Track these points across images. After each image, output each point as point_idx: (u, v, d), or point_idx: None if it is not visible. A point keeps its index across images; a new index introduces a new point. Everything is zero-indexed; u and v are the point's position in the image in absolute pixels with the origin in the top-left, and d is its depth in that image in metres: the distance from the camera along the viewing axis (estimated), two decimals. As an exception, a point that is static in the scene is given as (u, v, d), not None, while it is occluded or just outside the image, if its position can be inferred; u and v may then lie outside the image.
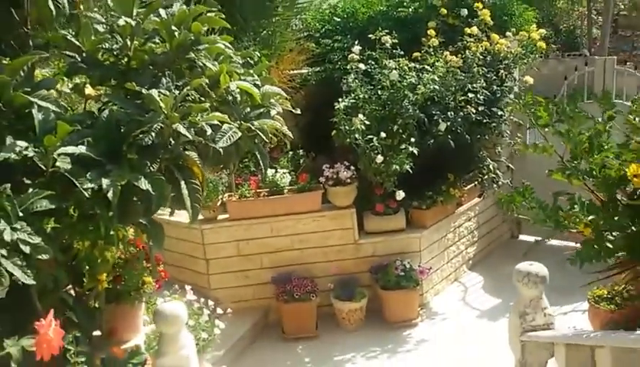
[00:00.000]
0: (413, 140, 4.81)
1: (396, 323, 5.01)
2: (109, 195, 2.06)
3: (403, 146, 4.79)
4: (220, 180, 4.94)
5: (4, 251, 1.90)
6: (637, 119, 1.51)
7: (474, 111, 5.13)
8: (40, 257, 2.01)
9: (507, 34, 5.66)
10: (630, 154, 1.47)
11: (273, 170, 5.06)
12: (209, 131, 2.37)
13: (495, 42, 5.47)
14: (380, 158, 4.72)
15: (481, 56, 5.33)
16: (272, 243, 5.11)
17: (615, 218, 1.43)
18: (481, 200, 6.04)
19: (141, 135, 2.22)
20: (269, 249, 5.11)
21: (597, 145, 1.57)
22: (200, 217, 5.14)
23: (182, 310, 2.62)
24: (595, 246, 1.47)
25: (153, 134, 2.26)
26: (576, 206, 1.62)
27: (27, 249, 1.99)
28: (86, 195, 2.08)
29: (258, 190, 5.08)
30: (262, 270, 5.13)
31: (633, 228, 1.39)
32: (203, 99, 2.57)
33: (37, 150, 2.16)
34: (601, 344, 2.05)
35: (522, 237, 6.62)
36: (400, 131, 4.89)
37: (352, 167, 5.03)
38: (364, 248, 5.21)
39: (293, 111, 3.30)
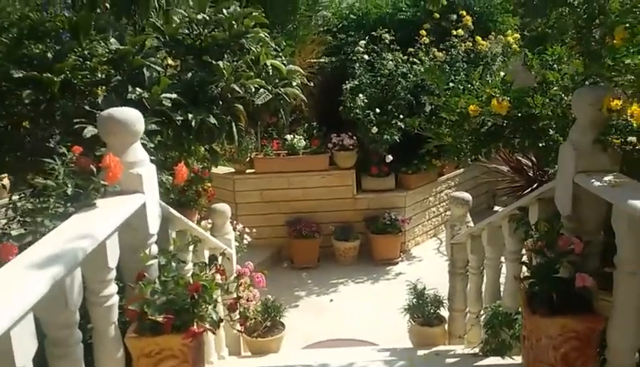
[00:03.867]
0: (402, 117, 6.11)
1: (381, 260, 6.35)
2: (193, 123, 3.41)
3: (394, 121, 6.10)
4: (250, 141, 6.28)
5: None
6: (477, 84, 2.76)
7: (454, 97, 6.40)
8: (151, 158, 3.38)
9: (490, 36, 6.92)
10: (474, 99, 2.71)
11: (292, 136, 6.41)
12: (252, 90, 3.71)
13: (478, 43, 6.73)
14: (375, 129, 6.04)
15: (464, 54, 6.60)
16: (287, 194, 6.47)
17: (460, 131, 2.67)
18: (462, 173, 7.32)
19: (212, 88, 3.56)
20: (285, 198, 6.47)
21: (455, 94, 2.84)
22: (232, 170, 6.53)
23: (228, 208, 3.96)
24: (452, 148, 2.74)
25: (219, 89, 3.60)
26: (443, 125, 2.89)
27: (144, 152, 3.35)
28: (177, 124, 3.43)
29: (278, 151, 6.44)
30: (278, 214, 6.50)
31: (472, 140, 2.64)
32: (247, 70, 3.90)
33: (147, 95, 3.53)
34: (483, 227, 3.35)
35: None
36: (393, 109, 6.19)
37: (354, 137, 6.35)
38: (360, 202, 6.55)
39: (308, 84, 4.61)
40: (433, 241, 7.06)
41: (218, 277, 2.24)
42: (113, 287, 1.88)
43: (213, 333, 2.06)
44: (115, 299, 1.90)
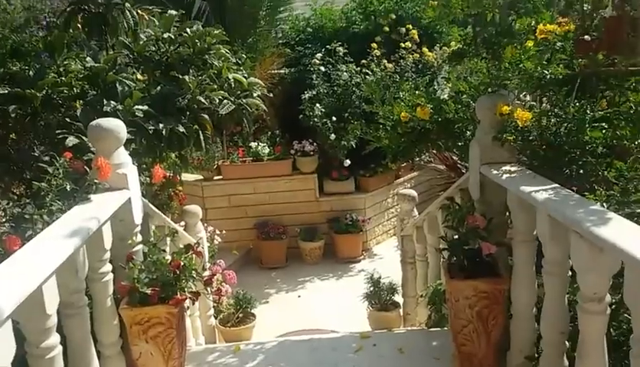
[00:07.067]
0: (357, 123, 6.59)
1: (344, 258, 6.83)
2: (164, 132, 3.80)
3: (350, 128, 6.58)
4: (217, 149, 6.69)
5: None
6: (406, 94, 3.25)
7: (406, 104, 6.93)
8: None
9: (435, 47, 7.49)
10: (405, 107, 3.19)
11: (256, 144, 6.83)
12: (217, 101, 4.12)
13: (425, 54, 7.28)
14: (333, 136, 6.52)
15: (412, 65, 7.13)
16: (254, 198, 6.89)
17: (394, 134, 3.15)
18: (416, 175, 7.85)
19: (179, 100, 3.96)
20: (252, 203, 6.90)
21: (389, 103, 3.32)
22: (201, 177, 6.91)
23: (199, 209, 4.37)
24: (389, 149, 3.22)
25: (186, 100, 4.00)
26: (380, 129, 3.37)
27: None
28: (150, 133, 3.81)
29: (244, 158, 6.86)
30: (246, 218, 6.91)
31: (405, 142, 3.13)
32: (211, 83, 4.31)
33: (121, 107, 3.90)
34: (424, 218, 3.84)
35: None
36: (349, 117, 6.68)
37: (314, 143, 6.82)
38: (323, 205, 7.03)
39: (268, 95, 5.02)
40: (393, 239, 7.54)
41: (195, 257, 2.64)
42: (109, 266, 2.28)
43: (194, 301, 2.48)
44: (111, 276, 2.30)
